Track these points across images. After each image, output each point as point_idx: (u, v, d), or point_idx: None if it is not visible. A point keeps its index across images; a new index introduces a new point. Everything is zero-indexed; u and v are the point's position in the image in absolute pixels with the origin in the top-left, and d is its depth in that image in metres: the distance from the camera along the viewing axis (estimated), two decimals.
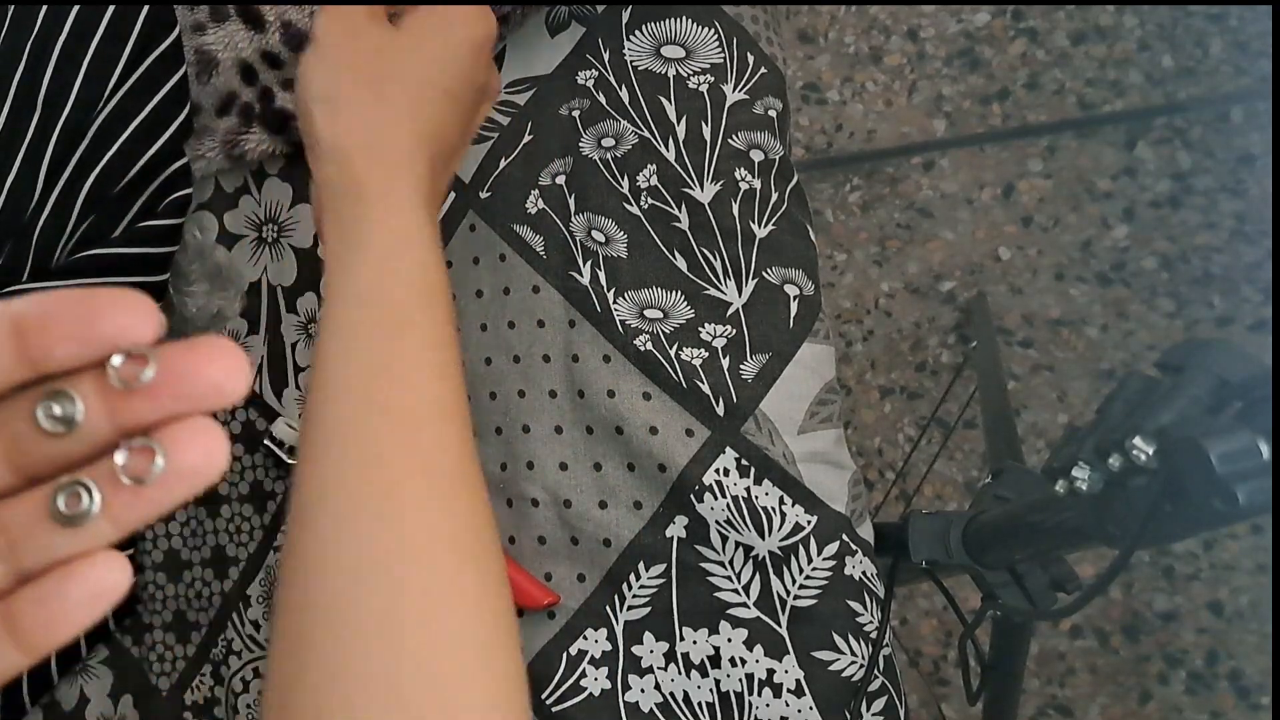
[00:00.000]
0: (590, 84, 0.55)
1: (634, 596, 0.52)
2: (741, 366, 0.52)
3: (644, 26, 0.54)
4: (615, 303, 0.53)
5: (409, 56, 0.44)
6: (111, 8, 0.51)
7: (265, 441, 0.55)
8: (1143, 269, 1.23)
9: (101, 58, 0.51)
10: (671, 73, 0.54)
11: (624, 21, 0.54)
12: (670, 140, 0.53)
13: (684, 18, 0.54)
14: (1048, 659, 1.20)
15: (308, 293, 0.57)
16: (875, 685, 0.51)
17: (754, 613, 0.51)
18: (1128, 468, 0.39)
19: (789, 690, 0.50)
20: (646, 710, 0.51)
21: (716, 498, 0.51)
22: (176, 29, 0.54)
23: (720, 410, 0.51)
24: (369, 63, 0.43)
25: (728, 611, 0.51)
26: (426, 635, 0.33)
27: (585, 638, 0.52)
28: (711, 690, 0.51)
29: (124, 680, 0.58)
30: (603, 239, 0.54)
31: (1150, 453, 0.38)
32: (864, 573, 0.51)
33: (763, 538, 0.50)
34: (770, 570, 0.51)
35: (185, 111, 0.54)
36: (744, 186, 0.53)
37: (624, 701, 0.52)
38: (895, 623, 1.23)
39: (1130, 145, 1.25)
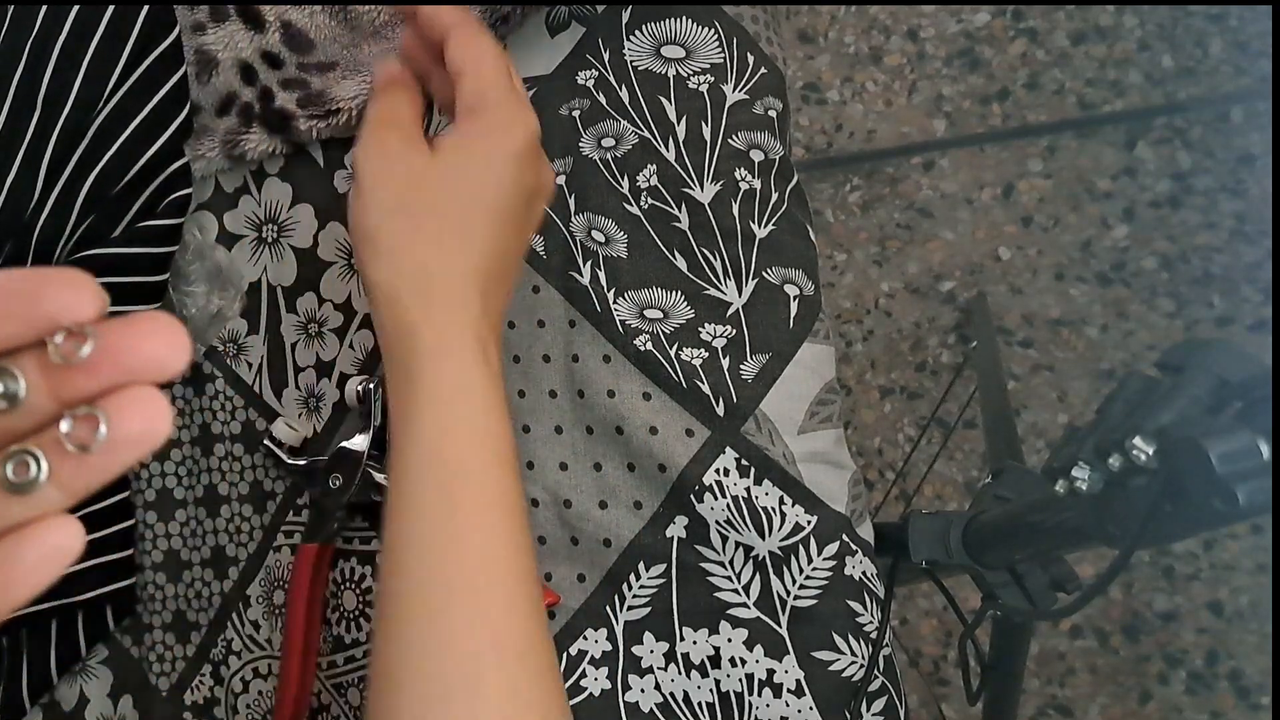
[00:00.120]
0: (590, 84, 0.55)
1: (634, 597, 0.52)
2: (741, 366, 0.52)
3: (644, 26, 0.54)
4: (615, 303, 0.53)
5: (450, 184, 0.42)
6: (111, 8, 0.51)
7: (265, 442, 0.55)
8: (1143, 269, 1.23)
9: (101, 58, 0.51)
10: (671, 73, 0.54)
11: (624, 21, 0.54)
12: (670, 140, 0.53)
13: (684, 18, 0.54)
14: (1048, 659, 1.20)
15: (308, 293, 0.57)
16: (875, 685, 0.51)
17: (754, 613, 0.51)
18: (1128, 468, 0.39)
19: (789, 690, 0.50)
20: (646, 710, 0.52)
21: (716, 498, 0.51)
22: (176, 29, 0.54)
23: (720, 410, 0.52)
24: (408, 196, 0.42)
25: (728, 612, 0.51)
26: None
27: (585, 638, 0.52)
28: (712, 690, 0.51)
29: (123, 680, 0.58)
30: (603, 239, 0.54)
31: (1150, 453, 0.38)
32: (864, 573, 0.51)
33: (763, 538, 0.50)
34: (770, 570, 0.51)
35: (185, 111, 0.54)
36: (744, 186, 0.53)
37: (624, 701, 0.52)
38: (895, 623, 1.23)
39: (1130, 145, 1.25)
